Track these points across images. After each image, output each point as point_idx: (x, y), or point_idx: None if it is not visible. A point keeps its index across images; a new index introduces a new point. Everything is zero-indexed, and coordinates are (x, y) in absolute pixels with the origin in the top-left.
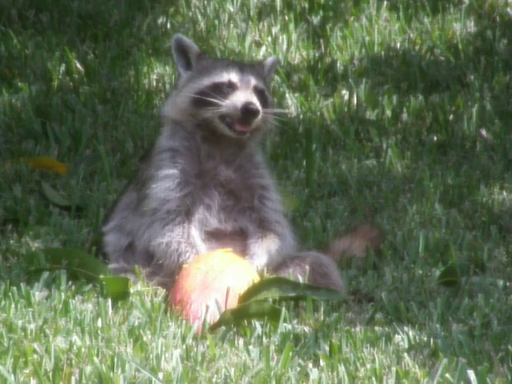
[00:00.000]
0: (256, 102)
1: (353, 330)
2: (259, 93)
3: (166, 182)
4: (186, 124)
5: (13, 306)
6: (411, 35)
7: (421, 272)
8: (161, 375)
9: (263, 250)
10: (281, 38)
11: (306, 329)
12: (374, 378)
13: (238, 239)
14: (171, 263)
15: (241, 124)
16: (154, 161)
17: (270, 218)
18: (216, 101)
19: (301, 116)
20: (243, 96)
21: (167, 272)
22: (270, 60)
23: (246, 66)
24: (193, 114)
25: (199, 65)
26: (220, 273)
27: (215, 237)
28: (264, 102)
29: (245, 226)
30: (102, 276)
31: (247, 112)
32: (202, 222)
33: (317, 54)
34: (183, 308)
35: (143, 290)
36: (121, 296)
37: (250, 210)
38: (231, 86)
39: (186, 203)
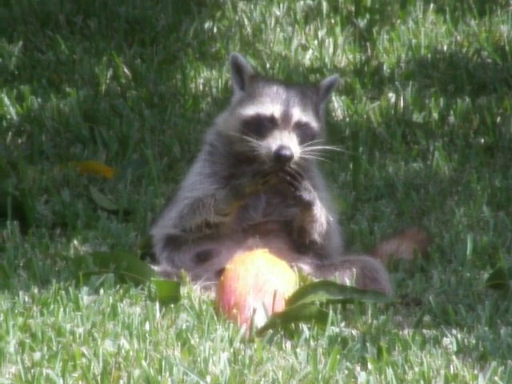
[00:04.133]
0: (291, 146)
1: (401, 332)
2: (302, 127)
3: (198, 176)
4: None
5: (61, 309)
6: (458, 38)
7: (469, 275)
8: (208, 378)
9: (314, 192)
10: (327, 41)
11: (354, 332)
12: (422, 382)
13: (283, 236)
14: (199, 216)
15: (275, 167)
16: (198, 155)
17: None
18: (254, 141)
19: (347, 119)
20: (279, 138)
21: (212, 268)
22: (326, 81)
23: (293, 95)
24: (238, 140)
25: (250, 88)
26: (269, 275)
27: (259, 232)
28: (307, 135)
29: (291, 217)
30: (152, 279)
31: (279, 158)
32: (245, 216)
33: (363, 57)
34: (240, 312)
35: (191, 293)
36: (171, 300)
37: (297, 206)
38: (272, 122)
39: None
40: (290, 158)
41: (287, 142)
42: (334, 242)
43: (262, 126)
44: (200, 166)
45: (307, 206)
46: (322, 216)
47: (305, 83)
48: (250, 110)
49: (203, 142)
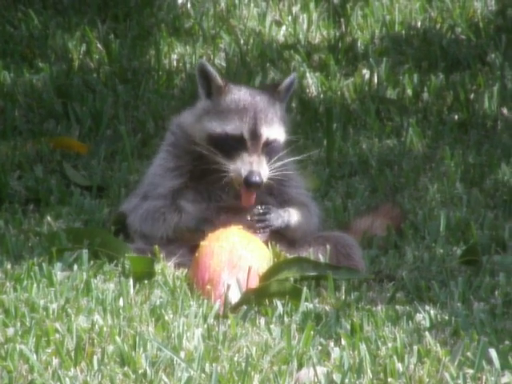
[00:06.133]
0: (261, 171)
1: (374, 308)
2: (270, 145)
3: (160, 170)
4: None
5: (35, 285)
6: (432, 14)
7: (442, 251)
8: (182, 354)
9: (284, 212)
10: (301, 17)
11: (327, 308)
12: (395, 357)
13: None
14: (157, 229)
15: (245, 195)
16: (160, 147)
17: (292, 197)
18: (223, 162)
19: (321, 95)
20: (248, 162)
21: (187, 243)
22: (286, 83)
23: (260, 109)
24: (206, 154)
25: (217, 99)
26: (243, 251)
27: (232, 209)
28: (275, 150)
29: (265, 201)
30: (126, 255)
31: (249, 184)
32: (215, 198)
33: (337, 34)
34: (215, 288)
35: (165, 269)
36: (145, 276)
37: (272, 196)
38: (241, 142)
39: (176, 190)
40: (259, 185)
41: (257, 167)
42: (312, 226)
43: (230, 145)
44: (163, 157)
45: (284, 228)
46: (301, 224)
47: (268, 87)
48: (217, 127)
49: (167, 130)
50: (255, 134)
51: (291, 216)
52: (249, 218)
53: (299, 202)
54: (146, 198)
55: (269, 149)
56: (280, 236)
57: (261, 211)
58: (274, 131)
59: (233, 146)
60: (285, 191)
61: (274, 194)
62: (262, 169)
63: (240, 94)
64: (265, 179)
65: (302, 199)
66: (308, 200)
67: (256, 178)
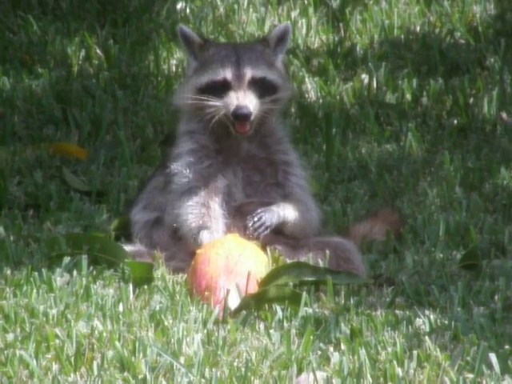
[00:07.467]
0: (247, 104)
1: (374, 313)
2: (258, 83)
3: (187, 158)
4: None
5: (34, 291)
6: (431, 18)
7: (441, 255)
8: (182, 359)
9: (278, 207)
10: (300, 22)
11: (327, 312)
12: (395, 362)
13: None
14: (191, 239)
15: (238, 126)
16: (176, 143)
17: (294, 193)
18: (212, 103)
19: (320, 100)
20: (235, 98)
21: (188, 249)
22: (276, 31)
23: (243, 54)
24: (198, 109)
25: (202, 56)
26: (239, 256)
27: (243, 212)
28: (267, 89)
29: (273, 199)
30: (126, 260)
31: (238, 117)
32: (229, 196)
33: (336, 38)
34: (212, 294)
35: (164, 274)
36: (144, 281)
37: (276, 186)
38: (226, 85)
39: (208, 176)
40: (248, 116)
41: (243, 100)
42: (311, 221)
43: (216, 90)
44: (183, 144)
45: (281, 224)
46: (298, 219)
47: (257, 40)
48: (203, 78)
49: (178, 135)
50: (239, 74)
51: (286, 210)
52: (247, 232)
53: (296, 198)
54: (180, 190)
55: (258, 86)
56: (279, 238)
57: (255, 219)
58: (261, 70)
59: (220, 89)
60: (287, 181)
61: (280, 182)
62: (249, 101)
63: (222, 46)
64: (254, 111)
65: (300, 195)
66: (306, 195)
67: (243, 110)
